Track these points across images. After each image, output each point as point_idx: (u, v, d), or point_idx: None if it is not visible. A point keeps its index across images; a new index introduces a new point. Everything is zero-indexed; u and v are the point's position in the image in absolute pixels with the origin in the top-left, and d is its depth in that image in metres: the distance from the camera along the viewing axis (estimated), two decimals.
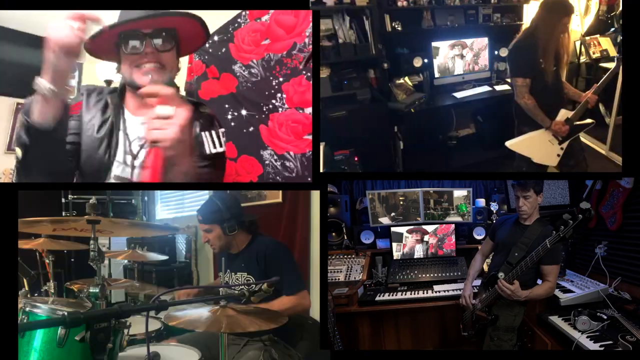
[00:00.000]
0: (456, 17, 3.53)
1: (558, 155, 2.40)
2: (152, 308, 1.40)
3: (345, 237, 3.13)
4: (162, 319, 2.26)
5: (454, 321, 2.49)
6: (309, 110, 2.24)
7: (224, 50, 2.64)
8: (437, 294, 2.64)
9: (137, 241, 3.40)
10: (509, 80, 3.37)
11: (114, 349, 1.63)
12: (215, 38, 2.65)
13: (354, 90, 2.92)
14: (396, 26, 3.26)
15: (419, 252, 3.06)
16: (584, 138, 2.66)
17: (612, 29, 3.30)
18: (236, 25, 2.59)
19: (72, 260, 3.29)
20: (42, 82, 1.35)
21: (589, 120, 2.40)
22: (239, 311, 1.69)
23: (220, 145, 1.76)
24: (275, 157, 2.35)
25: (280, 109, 2.36)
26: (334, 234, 3.12)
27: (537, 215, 2.24)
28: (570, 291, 2.40)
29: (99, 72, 3.84)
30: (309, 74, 2.26)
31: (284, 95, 2.35)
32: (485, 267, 2.57)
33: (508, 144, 2.41)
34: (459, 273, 2.83)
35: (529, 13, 3.49)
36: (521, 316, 2.21)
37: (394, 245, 3.07)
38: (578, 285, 2.45)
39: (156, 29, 1.57)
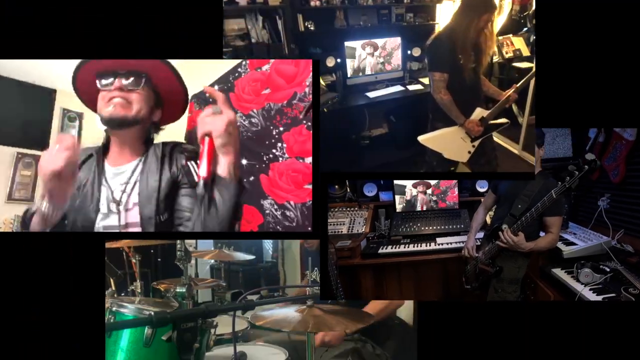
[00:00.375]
0: (369, 16, 3.49)
1: (469, 152, 2.38)
2: (238, 308, 1.45)
3: (348, 190, 3.13)
4: (249, 318, 2.24)
5: (457, 274, 2.52)
6: (309, 159, 2.23)
7: None
8: (440, 247, 2.67)
9: (224, 241, 3.41)
10: (422, 80, 3.37)
11: (201, 348, 1.67)
12: (216, 87, 2.60)
13: None
14: (309, 26, 3.21)
15: (421, 204, 3.06)
16: (497, 137, 2.67)
17: (525, 29, 3.26)
18: (236, 74, 2.55)
19: (159, 260, 3.25)
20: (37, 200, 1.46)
21: (503, 120, 2.37)
22: (326, 311, 1.68)
23: None
24: (276, 207, 2.34)
25: (280, 159, 2.35)
26: (336, 186, 3.11)
27: (539, 168, 2.24)
28: (573, 244, 2.42)
29: (99, 122, 3.68)
30: (309, 124, 2.24)
31: (285, 145, 2.34)
32: (488, 220, 2.58)
33: (420, 138, 2.39)
34: (462, 226, 2.84)
35: (442, 13, 3.47)
36: (525, 268, 2.24)
37: (397, 197, 3.07)
38: (581, 237, 2.47)
39: (128, 70, 1.69)
